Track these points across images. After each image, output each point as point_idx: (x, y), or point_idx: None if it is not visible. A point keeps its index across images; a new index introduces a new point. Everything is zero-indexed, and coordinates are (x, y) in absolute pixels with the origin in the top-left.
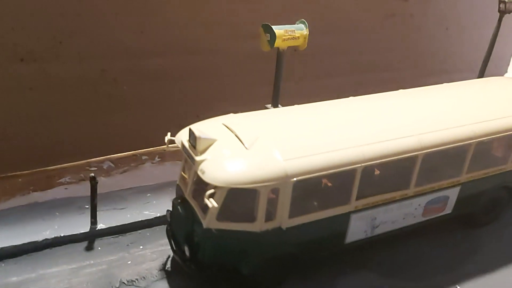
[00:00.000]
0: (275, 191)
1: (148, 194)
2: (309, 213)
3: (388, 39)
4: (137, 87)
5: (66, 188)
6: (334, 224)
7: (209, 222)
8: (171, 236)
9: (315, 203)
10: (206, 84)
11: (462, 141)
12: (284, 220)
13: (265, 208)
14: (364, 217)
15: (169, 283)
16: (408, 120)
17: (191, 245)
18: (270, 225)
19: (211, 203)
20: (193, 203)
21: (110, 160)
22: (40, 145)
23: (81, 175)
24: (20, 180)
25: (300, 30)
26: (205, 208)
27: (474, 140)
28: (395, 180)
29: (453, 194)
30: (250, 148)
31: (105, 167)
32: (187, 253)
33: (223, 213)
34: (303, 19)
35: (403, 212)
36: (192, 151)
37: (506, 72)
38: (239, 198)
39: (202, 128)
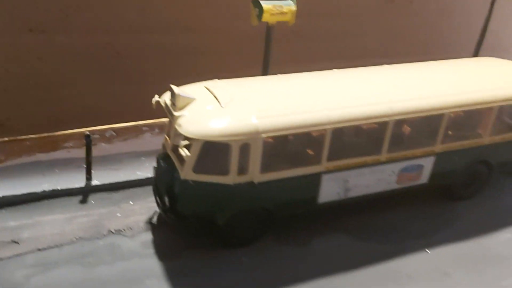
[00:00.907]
0: (247, 146)
1: (143, 158)
2: (281, 170)
3: (388, 24)
4: (139, 61)
5: (68, 151)
6: (306, 183)
7: (186, 173)
8: (156, 190)
9: (288, 162)
10: (204, 60)
11: (433, 111)
12: (256, 175)
13: (238, 162)
14: (335, 179)
15: (153, 234)
16: (383, 89)
17: (171, 196)
18: (242, 179)
19: (185, 152)
20: (173, 157)
21: (113, 129)
22: (48, 112)
23: (84, 141)
24: (28, 143)
25: (288, 5)
26: (183, 161)
27: (446, 111)
28: (368, 145)
29: (428, 164)
30: (225, 106)
31: (107, 135)
32: (167, 203)
33: (199, 165)
34: None
35: (376, 177)
36: (172, 108)
37: None
38: (214, 152)
39: (185, 89)
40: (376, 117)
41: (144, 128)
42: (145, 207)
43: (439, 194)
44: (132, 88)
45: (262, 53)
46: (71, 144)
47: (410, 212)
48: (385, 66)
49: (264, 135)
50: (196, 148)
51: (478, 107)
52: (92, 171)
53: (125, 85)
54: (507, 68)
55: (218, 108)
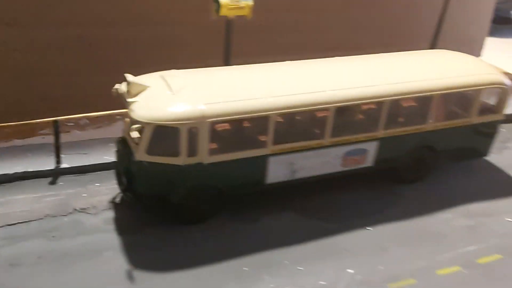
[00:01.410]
0: (194, 130)
1: (111, 144)
2: (229, 152)
3: (351, 18)
4: (110, 52)
5: (43, 138)
6: (253, 164)
7: (140, 155)
8: (116, 172)
9: (236, 145)
10: (171, 51)
11: (373, 99)
12: (205, 156)
13: (187, 145)
14: (281, 161)
15: (115, 212)
16: (327, 79)
17: (128, 176)
18: (192, 160)
19: (134, 134)
20: (129, 140)
21: (87, 118)
22: (25, 102)
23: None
24: (7, 130)
25: (246, 1)
26: (137, 143)
27: (386, 99)
28: (312, 130)
29: (371, 148)
30: (176, 93)
31: (81, 123)
32: (126, 183)
33: (152, 148)
34: None
35: (321, 160)
36: (126, 95)
37: (480, 55)
38: (165, 135)
39: (141, 78)
40: (317, 104)
41: (117, 117)
42: (109, 188)
43: (387, 177)
44: (104, 78)
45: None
46: (46, 131)
47: (358, 193)
48: (337, 58)
49: (210, 120)
50: (148, 131)
51: (418, 95)
52: (64, 155)
53: (97, 75)
54: (454, 60)
55: (169, 95)
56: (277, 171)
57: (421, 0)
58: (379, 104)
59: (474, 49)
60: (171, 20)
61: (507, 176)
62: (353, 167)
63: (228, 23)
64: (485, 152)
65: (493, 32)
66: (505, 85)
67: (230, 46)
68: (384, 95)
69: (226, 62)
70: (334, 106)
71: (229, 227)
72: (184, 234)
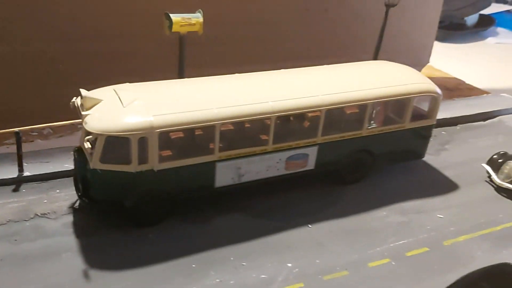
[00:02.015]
0: (144, 139)
1: (71, 152)
2: (179, 159)
3: (304, 30)
4: (72, 66)
5: (7, 147)
6: (202, 170)
7: (94, 163)
8: (74, 179)
9: (185, 152)
10: (130, 65)
11: (310, 108)
12: (155, 163)
13: (137, 153)
14: (229, 166)
15: (74, 216)
16: (270, 90)
17: (84, 183)
18: (144, 167)
19: (87, 145)
20: (84, 150)
21: (50, 127)
22: None
23: (23, 138)
24: None
25: (196, 17)
26: (91, 153)
27: (322, 108)
28: (256, 137)
29: (312, 153)
30: (127, 106)
31: (45, 132)
32: (82, 190)
33: (105, 156)
34: (200, 10)
35: (265, 165)
36: (81, 108)
37: (428, 62)
38: (117, 145)
39: (96, 92)
40: (259, 114)
41: (79, 126)
42: (69, 194)
43: (329, 179)
44: (67, 90)
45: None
46: (10, 141)
47: (302, 194)
48: (283, 70)
49: (158, 130)
50: (101, 142)
51: (353, 104)
52: (26, 164)
53: (59, 88)
54: (390, 70)
55: (121, 108)
56: (225, 176)
57: (368, 12)
58: (317, 112)
59: (422, 56)
60: (129, 35)
61: (442, 176)
62: (296, 171)
63: (181, 38)
64: (421, 154)
65: (447, 38)
66: (437, 93)
67: (183, 60)
68: (321, 105)
69: (180, 75)
70: (275, 115)
71: (180, 228)
72: (138, 235)
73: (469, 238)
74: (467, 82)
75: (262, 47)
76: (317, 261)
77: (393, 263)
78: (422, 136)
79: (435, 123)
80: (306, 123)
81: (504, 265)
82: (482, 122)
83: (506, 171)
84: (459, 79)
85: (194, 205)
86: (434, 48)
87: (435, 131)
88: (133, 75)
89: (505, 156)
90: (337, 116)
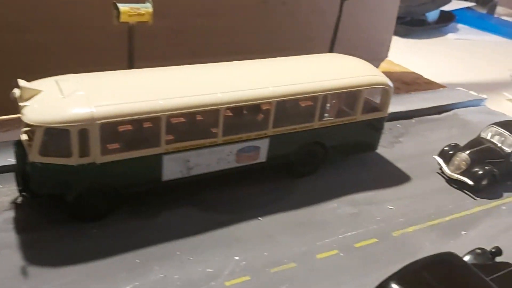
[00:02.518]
0: (85, 131)
1: None
2: (122, 152)
3: (261, 23)
4: (19, 58)
5: None
6: (148, 163)
7: (33, 156)
8: (15, 173)
9: (130, 144)
10: (79, 56)
11: (260, 100)
12: (98, 156)
13: (78, 145)
14: (176, 159)
15: (15, 212)
16: (219, 82)
17: (24, 177)
18: (85, 160)
19: (23, 137)
20: (24, 142)
21: None
22: None
23: None
24: None
25: (145, 7)
26: (30, 145)
27: (272, 100)
28: (205, 129)
29: (263, 145)
30: (67, 97)
31: None
32: (22, 184)
33: (44, 149)
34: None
35: (215, 157)
36: (19, 99)
37: (387, 56)
38: (57, 137)
39: (36, 83)
40: (206, 105)
41: None
42: (11, 189)
43: (282, 172)
44: (15, 82)
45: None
46: None
47: (254, 187)
48: (235, 62)
49: (99, 122)
50: (39, 134)
51: (304, 96)
52: None
53: (7, 80)
54: (343, 63)
55: (61, 99)
56: (173, 169)
57: (328, 6)
58: (267, 104)
59: (381, 50)
60: (78, 26)
61: (394, 168)
62: (247, 163)
63: (130, 28)
64: (373, 146)
65: (409, 34)
66: (388, 85)
67: (133, 51)
68: (271, 97)
69: (130, 66)
70: (223, 107)
71: (127, 222)
72: (81, 231)
73: (418, 229)
74: (425, 76)
75: (218, 39)
76: (265, 253)
77: (341, 254)
78: (374, 128)
79: (387, 115)
80: (257, 115)
81: (447, 254)
82: (437, 116)
83: (456, 162)
84: (418, 74)
85: (142, 199)
86: (396, 43)
87: (390, 124)
88: (82, 66)
89: (456, 148)
90: (288, 108)
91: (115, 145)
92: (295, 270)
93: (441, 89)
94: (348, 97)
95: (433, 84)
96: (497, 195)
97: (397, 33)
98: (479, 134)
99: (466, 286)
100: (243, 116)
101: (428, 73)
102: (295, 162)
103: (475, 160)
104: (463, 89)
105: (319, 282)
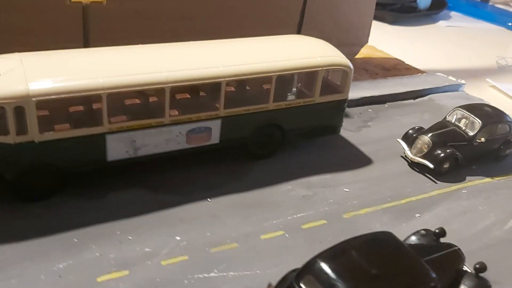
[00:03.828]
0: (21, 109)
1: None
2: (62, 130)
3: (233, 5)
4: None
5: None
6: (90, 142)
7: None
8: None
9: (72, 123)
10: (36, 39)
11: (208, 80)
12: (36, 134)
13: (15, 123)
14: (121, 139)
15: None
16: (167, 61)
17: None
18: (23, 139)
19: None
20: None
21: None
22: None
23: None
24: None
25: None
26: None
27: (222, 79)
28: (151, 109)
29: (215, 126)
30: (4, 74)
31: None
32: None
33: None
34: None
35: (164, 138)
36: None
37: (367, 42)
38: None
39: None
40: (149, 84)
41: None
42: None
43: (240, 154)
44: None
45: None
46: None
47: (209, 169)
48: (191, 42)
49: (36, 99)
50: None
51: (255, 76)
52: None
53: None
54: (304, 44)
55: None
56: (118, 149)
57: None
58: (217, 84)
59: (360, 35)
60: (35, 6)
61: (358, 151)
62: (199, 145)
63: (84, 8)
64: (335, 129)
65: (398, 21)
66: (347, 67)
67: (88, 32)
68: (220, 76)
69: (86, 45)
70: (169, 86)
71: (72, 203)
72: (25, 210)
73: (371, 211)
74: (408, 63)
75: (183, 22)
76: (208, 234)
77: (287, 235)
78: (335, 111)
79: (347, 97)
80: (207, 96)
81: (382, 233)
82: (411, 101)
83: (418, 145)
84: (399, 60)
85: (89, 179)
86: (383, 30)
87: (361, 109)
88: (38, 48)
89: (419, 131)
90: (241, 89)
91: (55, 124)
92: (236, 250)
93: (419, 74)
94: (306, 78)
95: (412, 69)
96: (459, 179)
97: (385, 19)
98: (445, 117)
99: (395, 265)
100: (192, 96)
101: (412, 60)
102: (251, 144)
103: (436, 143)
104: (442, 75)
105: (258, 262)
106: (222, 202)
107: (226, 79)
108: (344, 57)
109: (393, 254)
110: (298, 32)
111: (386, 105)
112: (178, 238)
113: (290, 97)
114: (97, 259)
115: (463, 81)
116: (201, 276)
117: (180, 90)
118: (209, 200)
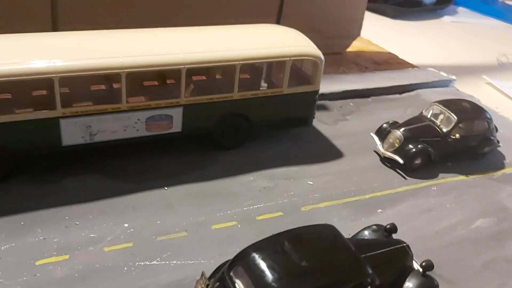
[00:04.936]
0: None
1: None
2: (12, 113)
3: None
4: None
5: None
6: (44, 126)
7: None
8: None
9: (25, 106)
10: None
11: (166, 66)
12: None
13: None
14: (76, 124)
15: None
16: (123, 46)
17: None
18: None
19: None
20: None
21: None
22: None
23: None
24: None
25: None
26: None
27: (181, 66)
28: (107, 94)
29: (176, 114)
30: None
31: None
32: None
33: None
34: None
35: (122, 124)
36: None
37: (359, 35)
38: None
39: None
40: (104, 69)
41: None
42: None
43: (206, 144)
44: None
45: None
46: None
47: (171, 157)
48: (157, 29)
49: None
50: None
51: (214, 64)
52: None
53: None
54: (274, 33)
55: None
56: (73, 134)
57: None
58: (176, 71)
59: (352, 28)
60: None
61: (330, 144)
62: (160, 132)
63: None
64: (306, 121)
65: (400, 16)
66: (317, 57)
67: (56, 15)
68: (180, 63)
69: (54, 28)
70: (124, 71)
71: (25, 186)
72: None
73: (331, 205)
74: (402, 57)
75: (160, 8)
76: (158, 222)
77: (239, 226)
78: (305, 103)
79: (318, 89)
80: (168, 83)
81: (322, 226)
82: (397, 95)
83: (390, 140)
84: (393, 54)
85: (46, 163)
86: (382, 24)
87: (342, 102)
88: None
89: (393, 126)
90: (204, 77)
91: (9, 106)
92: (184, 239)
93: (409, 69)
94: (276, 69)
95: (405, 64)
96: (431, 176)
97: (386, 13)
98: (421, 112)
99: (329, 259)
100: (152, 83)
101: (409, 55)
102: (216, 134)
103: (408, 138)
104: (433, 70)
105: (205, 252)
106: (179, 191)
107: (186, 66)
108: (315, 47)
109: (329, 248)
110: (277, 22)
111: (369, 99)
112: (126, 225)
113: (258, 87)
114: (40, 242)
115: (453, 77)
116: (142, 263)
117: (138, 76)
118: (166, 188)
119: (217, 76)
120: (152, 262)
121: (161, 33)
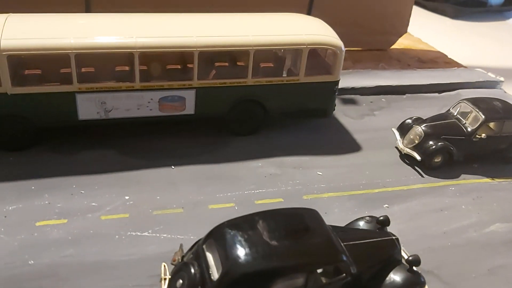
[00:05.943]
0: None
1: None
2: (34, 85)
3: None
4: None
5: None
6: (62, 99)
7: None
8: None
9: (44, 79)
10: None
11: (178, 48)
12: (9, 87)
13: None
14: (91, 99)
15: None
16: (138, 28)
17: None
18: None
19: None
20: None
21: None
22: None
23: None
24: None
25: None
26: None
27: (194, 49)
28: (122, 73)
29: (189, 96)
30: None
31: None
32: None
33: None
34: None
35: (135, 103)
36: None
37: (406, 31)
38: None
39: None
40: (118, 48)
41: None
42: None
43: (221, 129)
44: None
45: None
46: None
47: (184, 139)
48: (178, 14)
49: (5, 53)
50: None
51: (229, 49)
52: None
53: None
54: (295, 21)
55: None
56: (89, 109)
57: None
58: (190, 54)
59: (398, 24)
60: None
61: (350, 138)
62: (173, 113)
63: None
64: (325, 112)
65: (460, 16)
66: (337, 47)
67: None
68: (192, 46)
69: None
70: (138, 51)
71: (44, 155)
72: None
73: (335, 196)
74: (450, 56)
75: None
76: (158, 197)
77: (236, 208)
78: (323, 93)
79: (338, 79)
80: (181, 65)
81: (306, 210)
82: (436, 94)
83: (411, 136)
84: (441, 53)
85: (65, 137)
86: (440, 23)
87: (374, 98)
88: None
89: (416, 121)
90: (219, 61)
91: (30, 79)
92: (179, 215)
93: (455, 68)
94: (295, 58)
95: (452, 64)
96: (451, 176)
97: (446, 13)
98: (448, 109)
99: (302, 242)
100: (165, 64)
101: (459, 56)
102: (229, 119)
103: (429, 134)
104: (481, 70)
105: (196, 228)
106: (185, 171)
107: (199, 49)
108: (337, 37)
109: (305, 231)
110: (309, 12)
111: (404, 96)
112: (127, 197)
113: (280, 75)
114: (44, 206)
115: (501, 78)
116: (133, 233)
117: (153, 57)
118: (173, 167)
119: (238, 63)
120: (143, 234)
121: (180, 17)
